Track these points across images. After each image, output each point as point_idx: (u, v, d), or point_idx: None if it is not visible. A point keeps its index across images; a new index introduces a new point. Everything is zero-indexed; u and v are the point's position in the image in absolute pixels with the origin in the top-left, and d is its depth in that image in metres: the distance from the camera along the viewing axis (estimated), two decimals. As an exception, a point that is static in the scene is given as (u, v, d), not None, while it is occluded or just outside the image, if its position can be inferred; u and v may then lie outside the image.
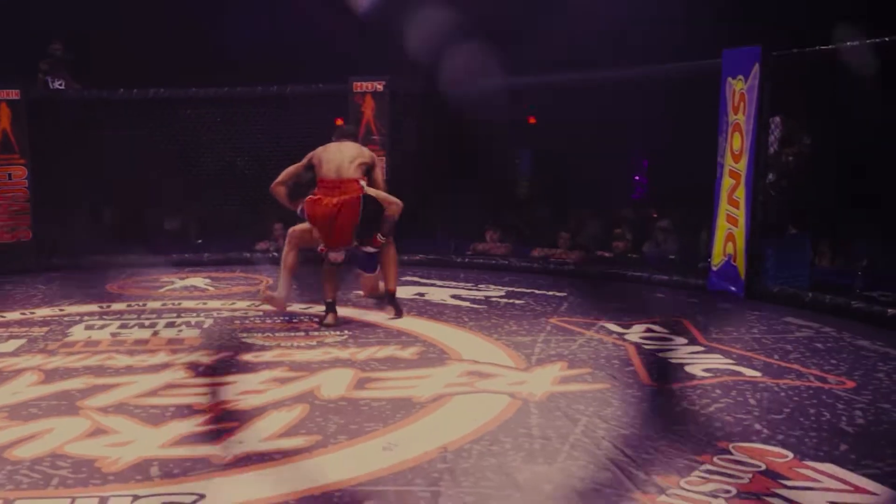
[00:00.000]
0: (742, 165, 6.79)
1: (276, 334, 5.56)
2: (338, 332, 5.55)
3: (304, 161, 5.99)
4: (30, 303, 6.82)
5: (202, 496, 2.95)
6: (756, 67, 6.61)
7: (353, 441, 3.53)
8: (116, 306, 6.62)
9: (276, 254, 9.19)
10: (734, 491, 2.99)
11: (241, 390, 4.24)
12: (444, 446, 3.44)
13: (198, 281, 7.86)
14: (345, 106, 8.83)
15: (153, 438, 3.57)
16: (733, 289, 6.91)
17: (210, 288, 7.52)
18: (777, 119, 6.87)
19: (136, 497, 2.95)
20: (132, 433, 3.64)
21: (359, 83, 8.75)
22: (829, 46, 6.26)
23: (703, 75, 7.28)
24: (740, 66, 6.77)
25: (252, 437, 3.56)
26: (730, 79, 6.86)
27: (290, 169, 6.03)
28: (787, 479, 3.10)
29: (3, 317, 6.22)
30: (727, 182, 6.95)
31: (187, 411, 3.94)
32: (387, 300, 6.10)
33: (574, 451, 3.40)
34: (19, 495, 3.00)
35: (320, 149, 5.96)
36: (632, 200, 11.24)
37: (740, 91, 6.76)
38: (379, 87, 8.71)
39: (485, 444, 3.49)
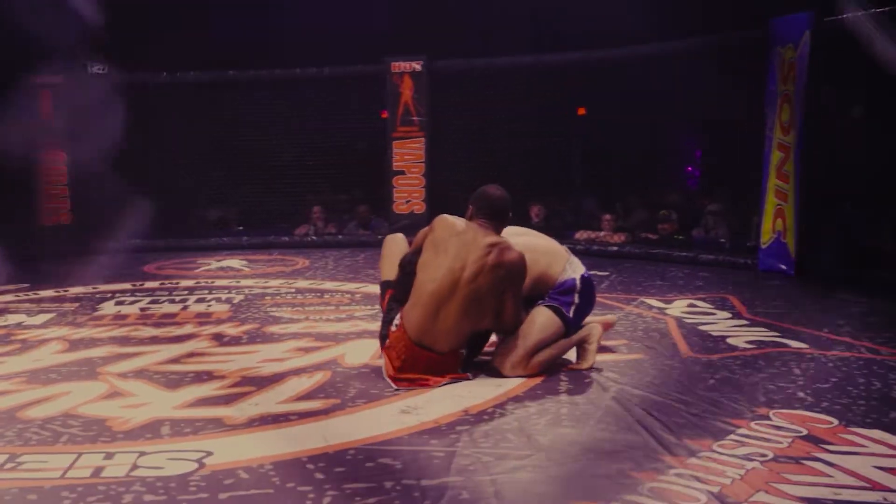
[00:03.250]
0: (791, 138, 6.50)
1: (307, 308, 5.45)
2: (369, 307, 5.43)
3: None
4: (65, 282, 6.81)
5: (209, 453, 2.84)
6: (807, 35, 6.33)
7: (372, 404, 3.39)
8: (149, 284, 6.58)
9: (314, 237, 9.15)
10: (771, 455, 2.79)
11: (263, 358, 4.14)
12: (466, 409, 3.29)
13: (234, 262, 7.80)
14: (382, 87, 8.70)
15: (168, 401, 3.47)
16: (783, 267, 6.63)
17: (245, 268, 7.45)
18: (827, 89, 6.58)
19: (142, 453, 2.85)
20: (148, 396, 3.55)
21: (396, 63, 8.57)
22: (886, 8, 5.95)
23: (748, 45, 7.00)
24: (789, 34, 6.48)
25: (268, 400, 3.45)
26: (778, 48, 6.58)
27: None
28: (830, 443, 2.89)
29: (37, 294, 6.21)
30: (776, 156, 6.67)
31: (206, 377, 3.84)
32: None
33: (603, 415, 3.22)
34: (26, 451, 2.91)
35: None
36: (682, 188, 10.83)
37: (790, 60, 6.47)
38: (416, 66, 8.53)
39: (509, 408, 3.33)
